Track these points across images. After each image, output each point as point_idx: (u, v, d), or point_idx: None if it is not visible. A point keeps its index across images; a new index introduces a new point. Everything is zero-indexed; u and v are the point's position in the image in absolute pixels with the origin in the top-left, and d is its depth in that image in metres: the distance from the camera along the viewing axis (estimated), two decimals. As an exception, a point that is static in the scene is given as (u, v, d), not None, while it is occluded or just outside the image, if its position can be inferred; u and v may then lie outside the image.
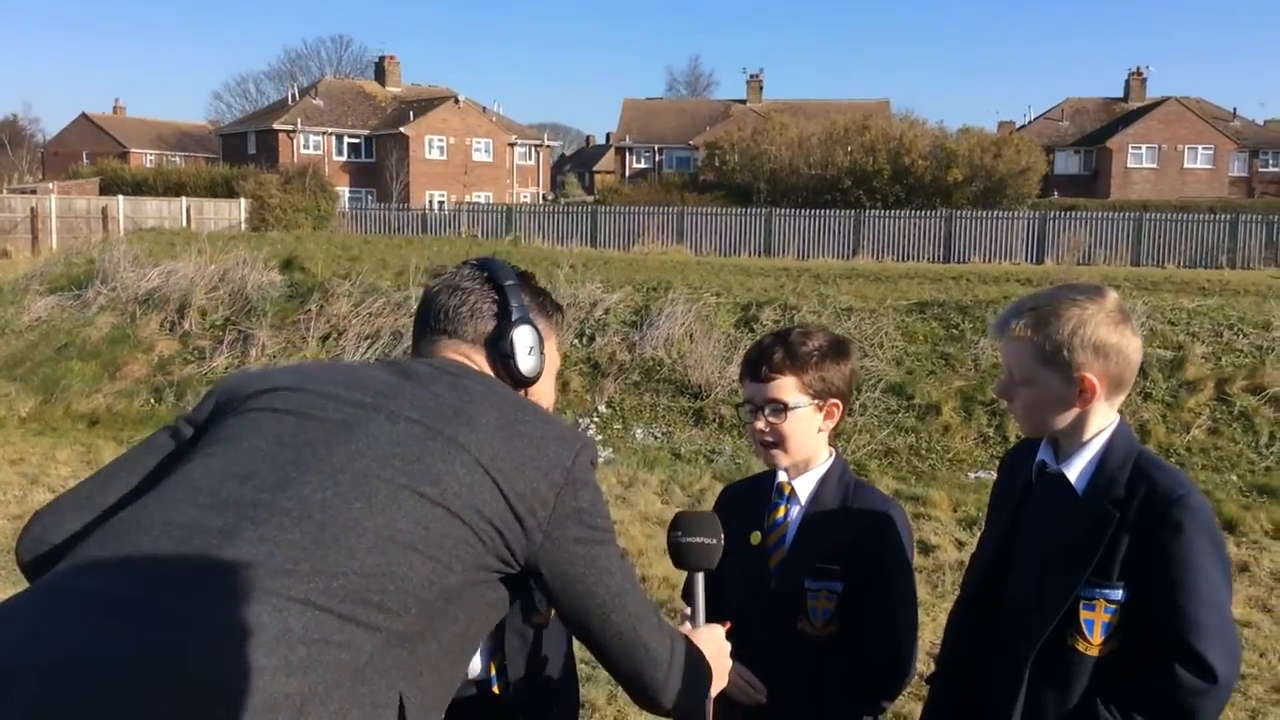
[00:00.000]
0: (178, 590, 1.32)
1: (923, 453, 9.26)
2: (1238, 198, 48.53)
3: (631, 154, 61.42)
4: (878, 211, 35.63)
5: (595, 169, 66.29)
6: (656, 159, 59.95)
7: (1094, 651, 2.05)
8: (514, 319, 1.82)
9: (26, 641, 1.25)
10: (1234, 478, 8.61)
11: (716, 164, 46.29)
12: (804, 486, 2.51)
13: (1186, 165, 53.67)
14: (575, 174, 66.05)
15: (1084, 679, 2.05)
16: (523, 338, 1.82)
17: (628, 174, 59.40)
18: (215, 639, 1.26)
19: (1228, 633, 1.99)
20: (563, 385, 10.53)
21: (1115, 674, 2.03)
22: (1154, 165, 53.70)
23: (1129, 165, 54.00)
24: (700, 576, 2.01)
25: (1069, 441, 2.15)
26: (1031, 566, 2.15)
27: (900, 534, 2.47)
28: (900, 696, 2.90)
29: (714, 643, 1.93)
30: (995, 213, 35.04)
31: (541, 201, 53.24)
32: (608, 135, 70.06)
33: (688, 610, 2.04)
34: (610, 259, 18.79)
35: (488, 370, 1.81)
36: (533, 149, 60.21)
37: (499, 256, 1.98)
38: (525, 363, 1.82)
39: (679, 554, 2.00)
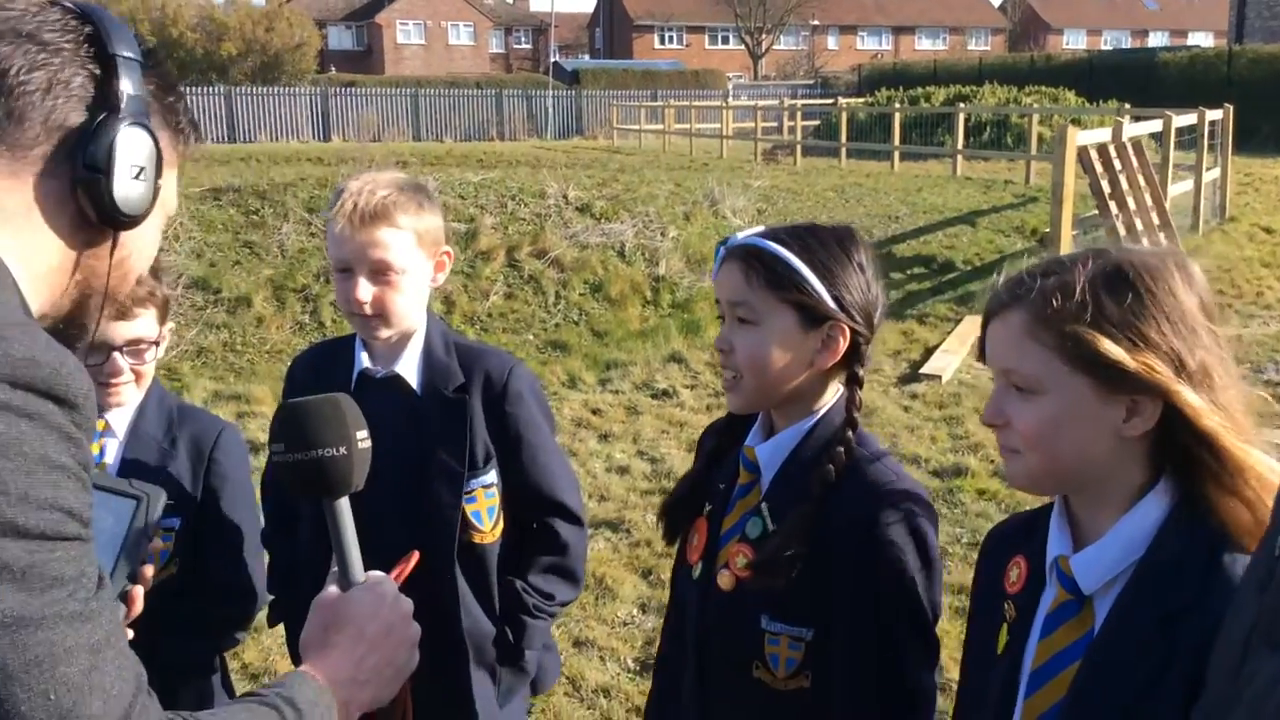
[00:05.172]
0: None
1: (238, 348, 8.85)
2: (499, 73, 52.57)
3: None
4: (149, 89, 33.12)
5: None
6: None
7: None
8: (123, 112, 1.09)
9: None
10: (531, 336, 9.41)
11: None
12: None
13: (452, 42, 56.77)
14: None
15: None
16: (130, 146, 1.09)
17: None
18: None
19: None
20: None
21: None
22: (422, 41, 56.02)
23: (399, 41, 55.74)
24: (341, 504, 1.27)
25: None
26: None
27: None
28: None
29: (384, 614, 1.22)
30: (277, 89, 34.28)
31: None
32: None
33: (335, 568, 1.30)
34: None
35: (13, 204, 1.05)
36: None
37: None
38: (126, 190, 1.09)
39: (287, 479, 1.28)
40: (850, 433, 1.55)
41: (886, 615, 1.51)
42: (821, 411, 1.59)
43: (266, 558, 2.27)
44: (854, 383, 1.58)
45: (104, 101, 1.10)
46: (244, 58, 39.98)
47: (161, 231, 1.26)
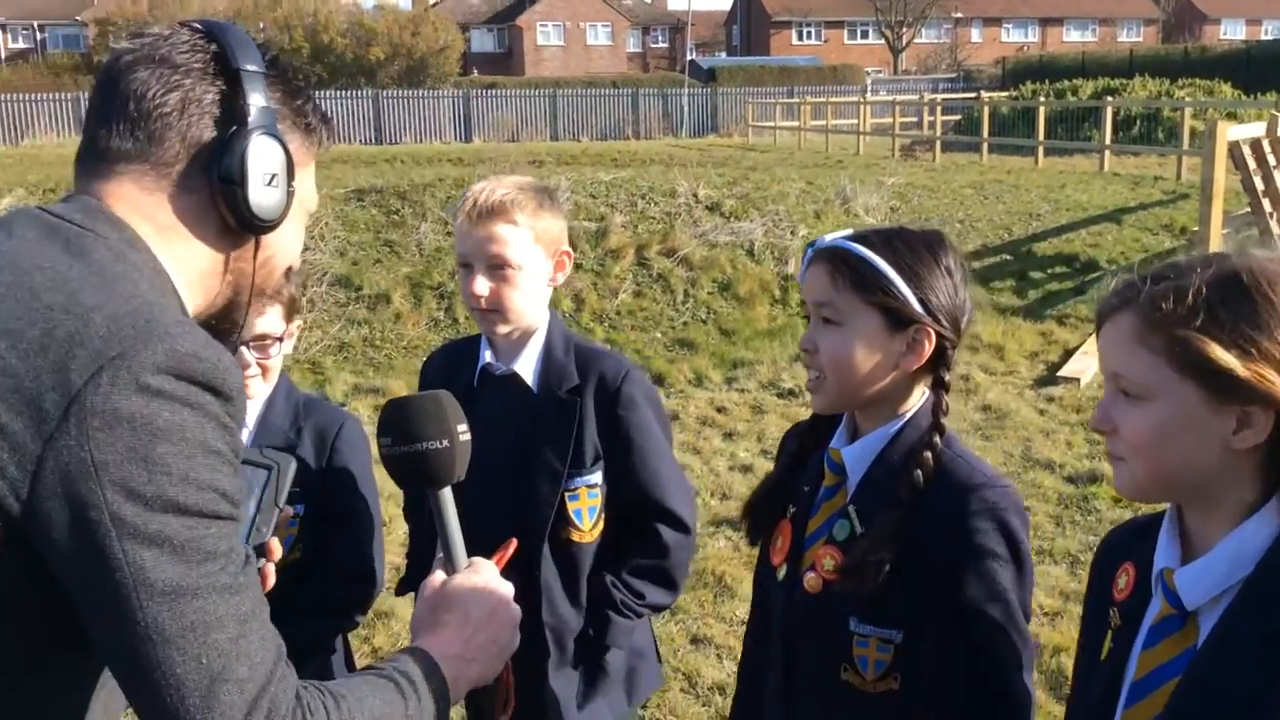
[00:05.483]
0: None
1: (377, 343, 9.16)
2: (635, 72, 52.91)
3: (5, 32, 53.53)
4: (301, 93, 34.45)
5: (-39, 49, 56.88)
6: (38, 38, 52.90)
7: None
8: (250, 124, 1.17)
9: None
10: (658, 334, 9.48)
11: (112, 43, 42.01)
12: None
13: (590, 42, 57.39)
14: (-65, 55, 56.20)
15: None
16: (261, 156, 1.16)
17: (4, 56, 51.83)
18: None
19: None
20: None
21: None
22: (561, 43, 56.76)
23: (539, 43, 56.60)
24: (445, 493, 1.36)
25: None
26: None
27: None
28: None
29: (487, 597, 1.30)
30: (421, 92, 35.23)
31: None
32: (-28, 9, 60.23)
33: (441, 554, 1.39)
34: (-6, 157, 16.30)
35: (164, 217, 1.15)
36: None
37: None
38: (261, 197, 1.17)
39: (394, 471, 1.37)
40: (938, 437, 1.54)
41: (977, 617, 1.49)
42: (907, 415, 1.59)
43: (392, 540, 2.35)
44: (940, 387, 1.58)
45: (233, 115, 1.18)
46: (391, 61, 41.23)
47: (304, 226, 1.33)
